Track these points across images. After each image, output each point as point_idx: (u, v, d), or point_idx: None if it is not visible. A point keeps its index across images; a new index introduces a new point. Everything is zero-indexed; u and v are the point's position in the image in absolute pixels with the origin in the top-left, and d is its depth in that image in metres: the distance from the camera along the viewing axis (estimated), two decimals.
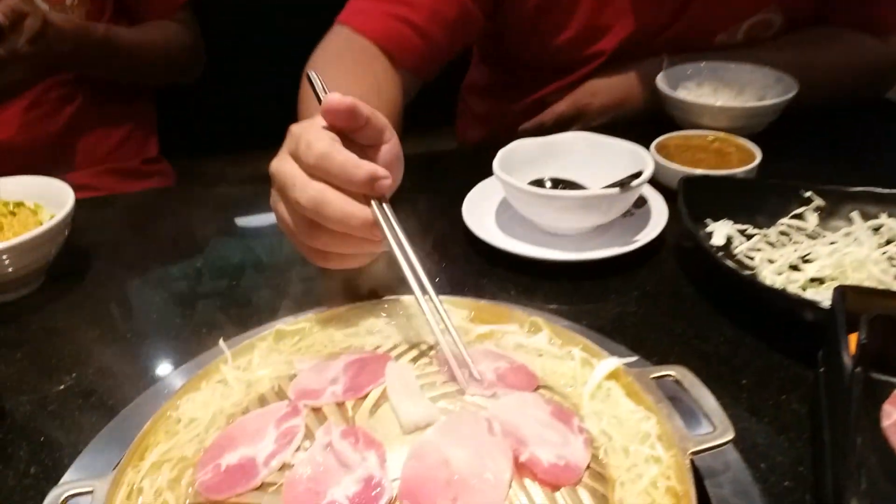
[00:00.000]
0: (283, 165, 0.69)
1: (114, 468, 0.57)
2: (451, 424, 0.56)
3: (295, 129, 0.71)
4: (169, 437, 0.61)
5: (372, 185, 0.66)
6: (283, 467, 0.54)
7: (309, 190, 0.66)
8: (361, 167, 0.66)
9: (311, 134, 0.68)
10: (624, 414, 0.61)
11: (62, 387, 0.77)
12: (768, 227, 0.92)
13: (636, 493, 0.54)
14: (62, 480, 0.60)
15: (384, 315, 0.74)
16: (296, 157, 0.69)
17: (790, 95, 1.17)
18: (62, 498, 0.54)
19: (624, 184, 0.88)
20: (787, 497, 0.62)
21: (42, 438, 0.71)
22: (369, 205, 0.67)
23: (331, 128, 0.70)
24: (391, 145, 0.74)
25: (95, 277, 0.98)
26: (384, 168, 0.68)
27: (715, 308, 0.85)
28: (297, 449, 0.56)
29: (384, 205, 0.68)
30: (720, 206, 0.93)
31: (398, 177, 0.76)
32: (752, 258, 0.88)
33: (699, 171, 1.02)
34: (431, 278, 0.65)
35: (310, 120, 0.72)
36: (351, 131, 0.70)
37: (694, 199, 0.91)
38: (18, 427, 0.72)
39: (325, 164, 0.66)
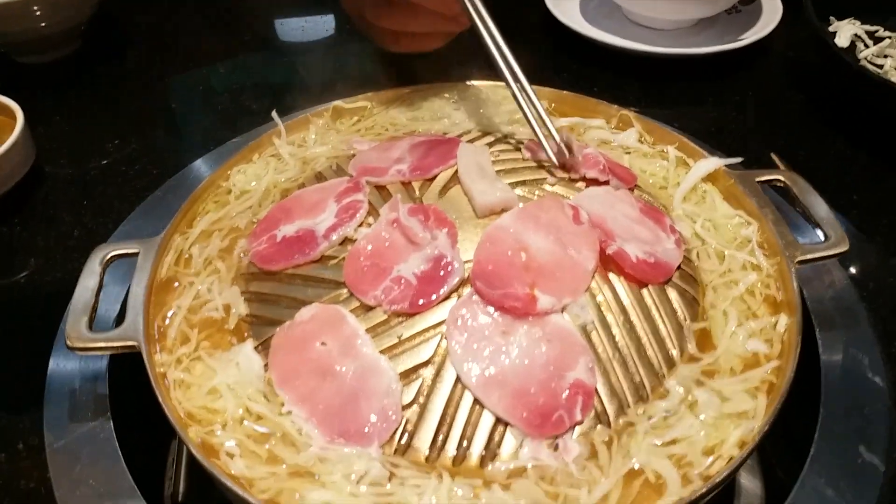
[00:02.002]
0: None
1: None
2: (531, 210, 0.49)
3: None
4: (219, 206, 0.56)
5: None
6: (345, 242, 0.49)
7: None
8: None
9: None
10: (720, 218, 0.54)
11: (104, 154, 0.73)
12: None
13: (730, 300, 0.49)
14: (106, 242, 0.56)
15: (453, 100, 0.66)
16: None
17: None
18: (106, 258, 0.51)
19: None
20: (895, 320, 0.55)
21: (85, 202, 0.67)
22: None
23: None
24: None
25: (136, 48, 0.90)
26: None
27: (827, 121, 0.74)
28: (360, 224, 0.50)
29: None
30: (847, 1, 0.80)
31: None
32: (879, 66, 0.76)
33: None
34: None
35: None
36: None
37: None
38: (60, 190, 0.69)
39: None
